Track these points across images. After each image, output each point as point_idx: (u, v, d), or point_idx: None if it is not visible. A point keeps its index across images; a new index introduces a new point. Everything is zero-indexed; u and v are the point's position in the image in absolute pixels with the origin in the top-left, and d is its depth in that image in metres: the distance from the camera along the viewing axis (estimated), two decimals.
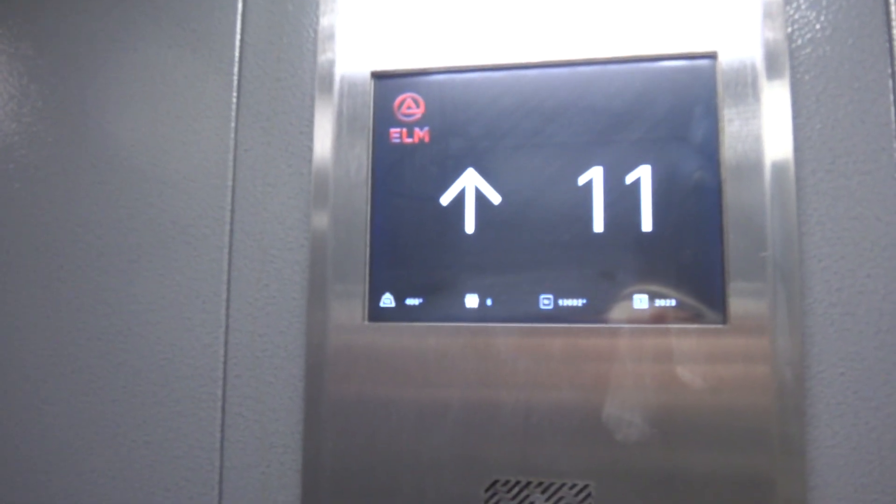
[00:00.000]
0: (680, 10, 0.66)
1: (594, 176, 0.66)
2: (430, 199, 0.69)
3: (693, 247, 0.64)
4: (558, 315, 0.65)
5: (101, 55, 0.81)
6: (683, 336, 0.63)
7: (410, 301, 0.68)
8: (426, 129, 0.70)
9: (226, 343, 0.74)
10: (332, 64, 0.72)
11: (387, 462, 0.67)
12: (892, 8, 0.66)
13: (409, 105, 0.70)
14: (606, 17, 0.68)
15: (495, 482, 0.65)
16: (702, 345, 0.62)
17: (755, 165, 0.63)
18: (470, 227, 0.68)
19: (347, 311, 0.69)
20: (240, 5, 0.78)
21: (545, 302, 0.66)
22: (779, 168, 0.63)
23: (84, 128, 0.81)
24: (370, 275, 0.69)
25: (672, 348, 0.63)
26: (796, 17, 0.68)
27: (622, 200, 0.65)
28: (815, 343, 0.64)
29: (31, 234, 0.81)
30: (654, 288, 0.64)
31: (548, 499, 0.64)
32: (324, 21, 0.74)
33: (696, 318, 0.63)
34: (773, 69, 0.64)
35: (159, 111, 0.79)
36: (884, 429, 0.63)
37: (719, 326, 0.62)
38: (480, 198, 0.68)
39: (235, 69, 0.78)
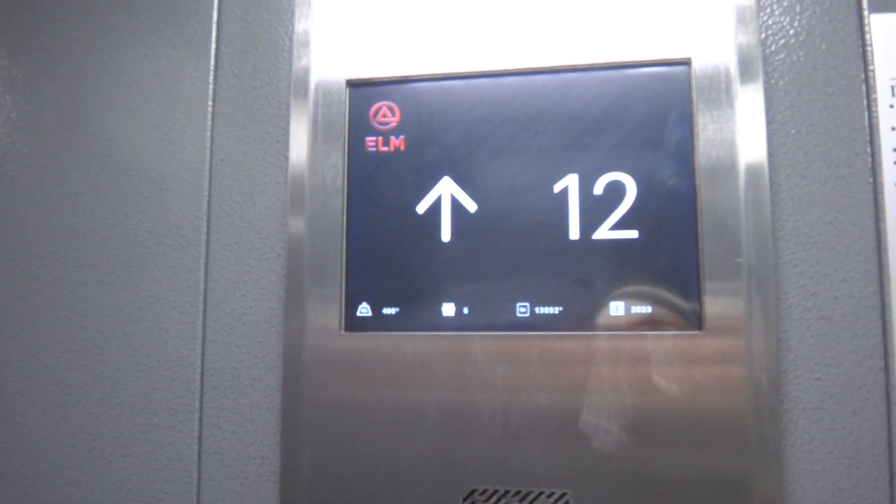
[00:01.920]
0: (654, 18, 0.67)
1: (570, 183, 0.66)
2: (406, 208, 0.68)
3: (669, 253, 0.64)
4: (535, 323, 0.65)
5: (77, 64, 0.81)
6: (660, 343, 0.63)
7: (387, 310, 0.68)
8: (402, 137, 0.69)
9: (202, 354, 0.74)
10: (307, 72, 0.72)
11: (365, 473, 0.66)
12: (865, 13, 0.66)
13: (385, 113, 0.70)
14: (582, 24, 0.68)
15: (473, 491, 0.64)
16: (678, 351, 0.62)
17: (730, 171, 0.63)
18: (446, 235, 0.67)
19: (324, 321, 0.68)
20: (215, 14, 0.78)
21: (522, 310, 0.65)
22: (753, 173, 0.63)
23: (59, 138, 0.80)
24: (347, 284, 0.69)
25: (648, 355, 0.63)
26: (770, 22, 0.68)
27: (597, 207, 0.65)
28: (790, 348, 0.64)
29: (6, 244, 0.80)
30: (630, 295, 0.64)
31: None
32: (299, 27, 0.73)
33: (673, 324, 0.63)
34: (746, 75, 0.65)
35: (135, 120, 0.79)
36: (860, 433, 0.63)
37: (695, 332, 0.62)
38: (456, 206, 0.68)
39: (211, 78, 0.77)
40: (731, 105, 0.64)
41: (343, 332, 0.68)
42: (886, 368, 0.63)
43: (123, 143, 0.79)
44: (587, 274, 0.65)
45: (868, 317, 0.64)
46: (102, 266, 0.77)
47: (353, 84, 0.71)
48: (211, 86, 0.77)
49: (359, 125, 0.70)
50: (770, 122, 0.67)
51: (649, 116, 0.65)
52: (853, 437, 0.63)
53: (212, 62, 0.77)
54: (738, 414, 0.61)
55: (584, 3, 0.68)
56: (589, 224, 0.65)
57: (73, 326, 0.77)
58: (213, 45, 0.78)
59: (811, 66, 0.67)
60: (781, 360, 0.64)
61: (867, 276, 0.64)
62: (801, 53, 0.67)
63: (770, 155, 0.66)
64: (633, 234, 0.64)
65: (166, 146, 0.77)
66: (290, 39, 0.76)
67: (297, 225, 0.70)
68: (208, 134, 0.76)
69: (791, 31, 0.68)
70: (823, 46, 0.67)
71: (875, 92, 0.65)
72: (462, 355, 0.65)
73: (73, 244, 0.78)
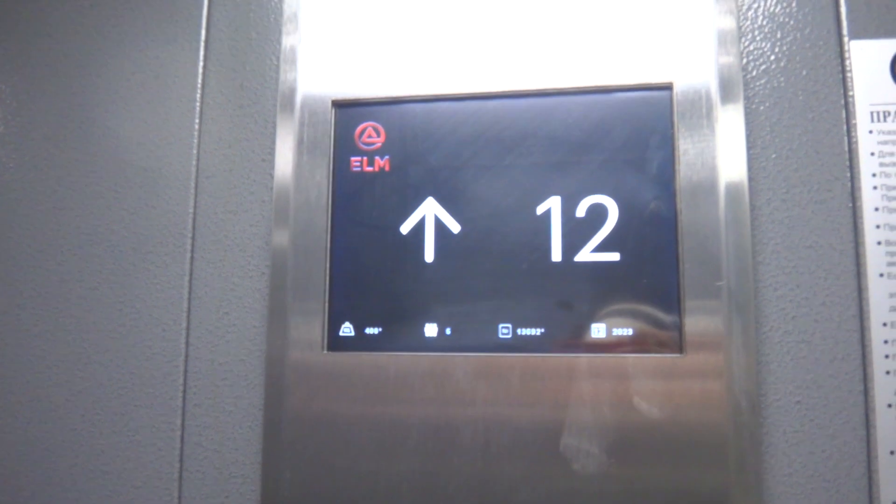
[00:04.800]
0: (637, 43, 0.67)
1: (552, 205, 0.66)
2: (390, 228, 0.69)
3: (650, 276, 0.64)
4: (517, 345, 0.65)
5: (64, 79, 0.81)
6: (640, 365, 0.63)
7: (370, 330, 0.68)
8: (386, 157, 0.70)
9: (185, 372, 0.74)
10: (293, 91, 0.72)
11: (346, 493, 0.66)
12: (845, 39, 0.67)
13: (370, 134, 0.70)
14: (566, 48, 0.68)
15: None
16: (659, 374, 0.63)
17: (710, 194, 0.64)
18: (429, 255, 0.68)
19: (307, 340, 0.68)
20: (203, 33, 0.78)
21: (504, 331, 0.66)
22: (734, 197, 0.64)
23: (45, 152, 0.80)
24: (330, 303, 0.69)
25: (629, 377, 0.63)
26: (751, 48, 0.69)
27: (580, 229, 0.66)
28: (771, 371, 0.65)
29: None
30: (612, 317, 0.64)
31: None
32: (286, 43, 0.74)
33: (654, 347, 0.63)
34: (727, 100, 0.65)
35: (121, 136, 0.79)
36: (840, 457, 0.63)
37: (676, 355, 0.63)
38: (440, 227, 0.68)
39: (198, 95, 0.77)
40: (712, 129, 0.65)
41: (325, 351, 0.68)
42: (866, 392, 0.63)
43: (109, 159, 0.79)
44: (569, 296, 0.65)
45: (848, 340, 0.64)
46: (86, 282, 0.77)
47: (338, 104, 0.71)
48: (198, 103, 0.77)
49: (344, 145, 0.71)
50: (751, 146, 0.67)
51: (631, 140, 0.66)
52: (833, 460, 0.63)
53: (199, 80, 0.78)
54: (718, 437, 0.61)
55: (569, 27, 0.69)
56: (571, 246, 0.66)
57: (56, 342, 0.77)
58: (201, 63, 0.78)
59: (791, 92, 0.68)
60: (762, 383, 0.64)
61: (847, 299, 0.65)
62: (782, 79, 0.68)
63: (750, 178, 0.66)
64: (614, 256, 0.65)
65: (152, 163, 0.78)
66: (277, 58, 0.77)
67: (282, 244, 0.70)
68: (194, 151, 0.77)
69: (772, 57, 0.69)
70: (804, 72, 0.68)
71: (855, 117, 0.66)
72: (444, 376, 0.66)
73: (57, 259, 0.78)
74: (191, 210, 0.76)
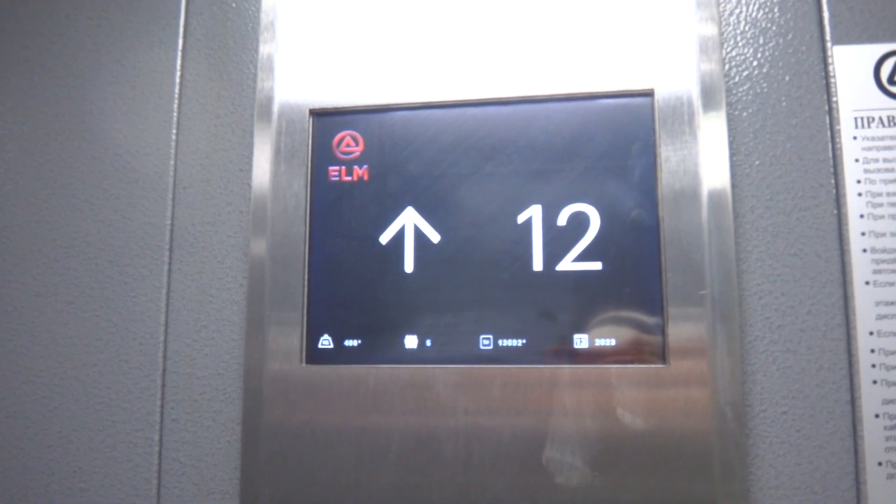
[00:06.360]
0: (618, 49, 0.66)
1: (533, 214, 0.65)
2: (370, 238, 0.68)
3: (632, 285, 0.63)
4: (498, 356, 0.64)
5: (39, 91, 0.80)
6: (624, 376, 0.62)
7: (349, 342, 0.67)
8: (365, 167, 0.69)
9: (163, 386, 0.72)
10: (270, 100, 0.71)
11: None
12: (829, 45, 0.67)
13: (349, 143, 0.69)
14: (546, 54, 0.68)
15: None
16: (642, 385, 0.62)
17: (693, 202, 0.63)
18: (409, 266, 0.67)
19: (285, 354, 0.67)
20: (180, 42, 0.77)
21: (485, 342, 0.64)
22: (717, 204, 0.63)
23: (21, 165, 0.79)
24: (308, 315, 0.67)
25: (612, 388, 0.62)
26: (733, 54, 0.68)
27: (561, 238, 0.65)
28: (756, 381, 0.64)
29: None
30: (594, 327, 0.63)
31: None
32: (262, 51, 0.73)
33: (637, 357, 0.62)
34: (710, 106, 0.65)
35: (97, 148, 0.78)
36: (827, 468, 0.62)
37: (660, 365, 0.62)
38: (420, 236, 0.67)
39: (175, 106, 0.76)
40: (694, 136, 0.64)
41: (304, 364, 0.67)
42: (853, 402, 0.62)
43: (85, 171, 0.77)
44: (551, 306, 0.64)
45: (834, 349, 0.63)
46: (62, 296, 0.76)
47: (316, 113, 0.70)
48: (175, 113, 0.76)
49: (322, 154, 0.70)
50: (734, 152, 0.66)
51: (613, 147, 0.65)
52: (821, 471, 0.62)
53: (176, 90, 0.77)
54: (703, 448, 0.60)
55: (548, 34, 0.68)
56: (553, 255, 0.65)
57: (32, 357, 0.75)
58: (178, 73, 0.77)
59: (774, 98, 0.67)
60: (747, 394, 0.63)
61: (833, 307, 0.64)
62: (765, 85, 0.67)
63: (734, 186, 0.66)
64: (596, 265, 0.64)
65: (129, 174, 0.76)
66: (255, 67, 0.76)
67: (260, 255, 0.69)
68: (172, 162, 0.76)
69: (754, 63, 0.68)
70: (787, 78, 0.67)
71: (839, 123, 0.65)
72: (425, 388, 0.64)
73: (33, 273, 0.77)
74: (168, 222, 0.75)
